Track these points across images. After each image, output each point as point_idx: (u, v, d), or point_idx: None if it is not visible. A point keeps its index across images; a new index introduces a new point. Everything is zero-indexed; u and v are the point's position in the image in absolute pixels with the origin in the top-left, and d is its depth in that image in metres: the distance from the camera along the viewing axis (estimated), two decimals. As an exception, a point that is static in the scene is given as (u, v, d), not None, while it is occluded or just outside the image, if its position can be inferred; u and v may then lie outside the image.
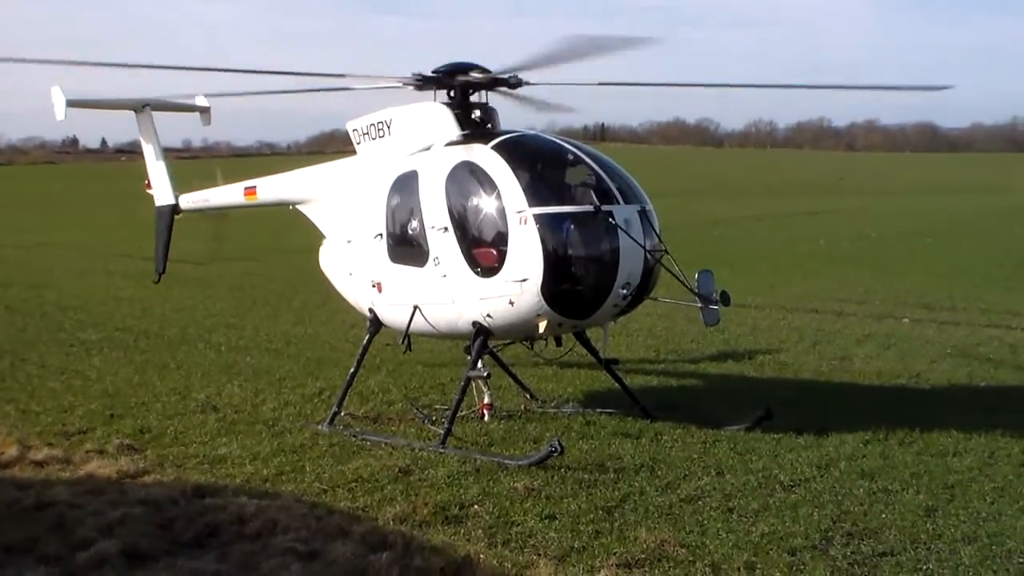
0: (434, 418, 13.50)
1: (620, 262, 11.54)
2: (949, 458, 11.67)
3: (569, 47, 11.21)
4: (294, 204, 14.84)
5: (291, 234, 25.39)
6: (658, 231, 12.05)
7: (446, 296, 12.23)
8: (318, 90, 13.36)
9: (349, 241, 13.52)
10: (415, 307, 12.61)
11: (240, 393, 15.27)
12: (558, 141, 12.75)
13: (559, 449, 11.00)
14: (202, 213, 16.65)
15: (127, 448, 12.18)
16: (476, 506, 9.98)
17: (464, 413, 13.02)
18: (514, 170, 11.78)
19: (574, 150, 12.37)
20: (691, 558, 8.71)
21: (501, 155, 11.93)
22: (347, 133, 13.94)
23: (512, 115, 13.25)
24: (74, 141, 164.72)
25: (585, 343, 13.56)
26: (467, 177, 12.03)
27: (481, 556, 8.72)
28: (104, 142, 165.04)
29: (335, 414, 13.41)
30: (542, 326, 11.82)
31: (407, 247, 12.63)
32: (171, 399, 14.88)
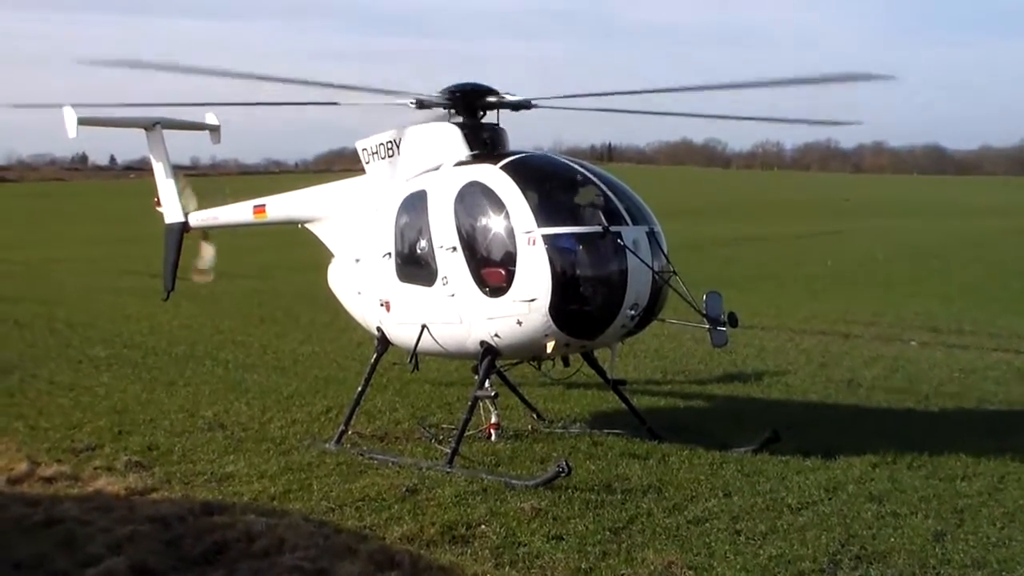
0: (441, 437, 13.51)
1: (628, 283, 11.57)
2: (958, 482, 11.63)
3: None
4: (303, 222, 14.90)
5: (299, 252, 25.45)
6: (666, 252, 12.07)
7: (454, 315, 12.25)
8: (319, 103, 13.30)
9: (358, 260, 13.56)
10: (423, 326, 12.62)
11: (248, 411, 15.29)
12: (566, 161, 12.80)
13: (566, 470, 10.99)
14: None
15: (135, 465, 12.21)
16: (483, 526, 9.97)
17: (471, 433, 13.02)
18: (523, 190, 11.82)
19: (582, 170, 12.41)
20: (699, 580, 8.69)
21: (510, 175, 11.97)
22: (355, 151, 14.00)
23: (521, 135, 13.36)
24: (83, 158, 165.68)
25: (592, 363, 13.57)
26: (476, 197, 12.07)
27: (488, 576, 8.72)
28: (113, 159, 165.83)
29: (342, 432, 13.42)
30: (550, 346, 11.83)
31: (415, 266, 12.65)
32: (179, 416, 14.92)
